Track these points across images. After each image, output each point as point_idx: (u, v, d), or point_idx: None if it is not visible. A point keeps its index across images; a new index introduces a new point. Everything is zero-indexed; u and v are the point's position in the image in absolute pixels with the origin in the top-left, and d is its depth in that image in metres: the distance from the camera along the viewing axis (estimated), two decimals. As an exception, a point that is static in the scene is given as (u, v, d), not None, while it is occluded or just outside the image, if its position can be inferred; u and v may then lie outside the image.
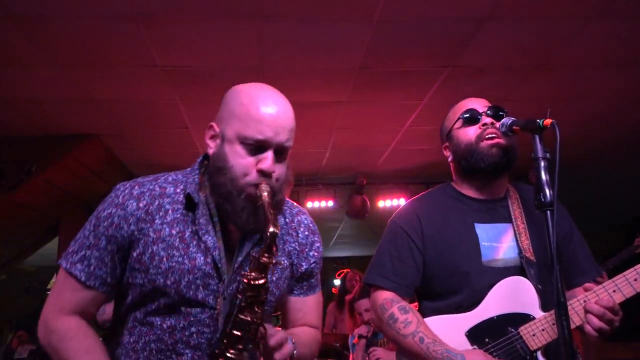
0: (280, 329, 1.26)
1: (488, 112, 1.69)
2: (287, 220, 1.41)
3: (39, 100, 4.00)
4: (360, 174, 6.00)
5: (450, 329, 1.62)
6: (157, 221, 1.24)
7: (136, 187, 1.28)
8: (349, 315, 4.75)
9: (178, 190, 1.29)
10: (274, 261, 1.17)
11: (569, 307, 1.50)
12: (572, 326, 1.51)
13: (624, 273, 1.52)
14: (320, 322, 1.50)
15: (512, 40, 3.37)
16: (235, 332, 1.17)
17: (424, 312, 1.71)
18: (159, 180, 1.31)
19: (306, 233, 1.43)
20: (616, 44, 3.43)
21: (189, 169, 1.35)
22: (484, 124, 1.67)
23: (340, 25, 3.10)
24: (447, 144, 1.80)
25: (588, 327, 1.50)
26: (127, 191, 1.27)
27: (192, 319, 1.24)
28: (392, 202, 6.21)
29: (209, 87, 3.83)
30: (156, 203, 1.26)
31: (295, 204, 1.48)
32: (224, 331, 1.18)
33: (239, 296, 1.17)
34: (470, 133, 1.70)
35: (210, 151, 1.29)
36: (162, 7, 2.87)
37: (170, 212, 1.26)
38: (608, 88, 4.09)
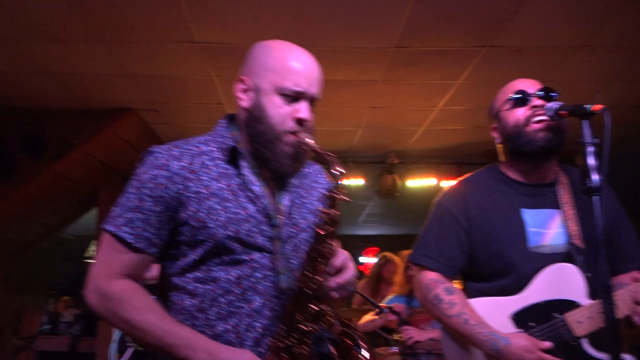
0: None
1: (539, 93, 1.66)
2: (310, 170, 1.51)
3: (80, 75, 4.11)
4: (392, 153, 6.00)
5: (494, 311, 1.64)
6: (203, 178, 1.29)
7: (174, 149, 1.31)
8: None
9: (211, 147, 1.35)
10: (343, 197, 1.28)
11: (618, 297, 1.49)
12: (620, 316, 1.50)
13: None
14: None
15: (552, 20, 3.31)
16: (314, 263, 1.26)
17: (469, 293, 1.73)
18: (191, 142, 1.35)
19: (324, 179, 1.52)
20: (661, 24, 3.34)
21: (211, 132, 1.40)
22: (534, 106, 1.65)
23: (378, 3, 3.09)
24: (495, 125, 1.78)
25: (636, 319, 1.51)
26: (165, 152, 1.30)
27: (255, 265, 1.29)
28: (422, 182, 6.20)
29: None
30: (197, 161, 1.30)
31: None
32: (305, 264, 1.28)
33: (320, 231, 1.27)
34: (518, 114, 1.67)
35: (244, 104, 1.34)
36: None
37: (212, 167, 1.31)
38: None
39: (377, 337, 4.01)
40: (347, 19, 3.27)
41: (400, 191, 6.29)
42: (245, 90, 1.35)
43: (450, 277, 1.74)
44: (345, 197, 1.28)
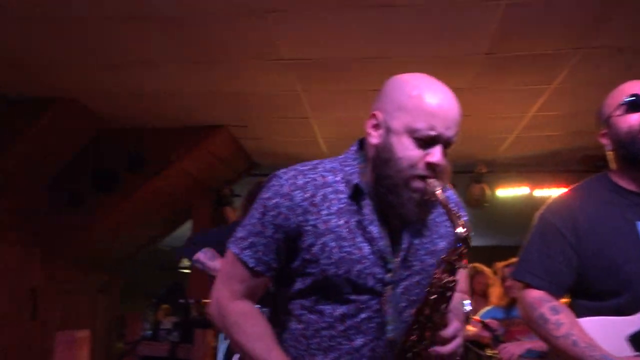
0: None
1: None
2: None
3: (175, 95, 4.36)
4: (480, 162, 5.80)
5: (608, 332, 1.52)
6: (323, 212, 1.26)
7: (300, 177, 1.29)
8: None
9: (337, 178, 1.30)
10: (462, 265, 1.20)
11: None
12: None
13: None
14: (468, 289, 1.53)
15: (659, 16, 3.07)
16: (421, 328, 1.20)
17: (578, 312, 1.62)
18: (318, 169, 1.31)
19: (455, 208, 1.35)
20: None
21: (342, 156, 1.36)
22: None
23: (467, 10, 3.03)
24: (604, 131, 1.66)
25: None
26: (291, 180, 1.28)
27: (362, 306, 1.26)
28: (513, 191, 5.95)
29: (331, 78, 3.92)
30: (320, 194, 1.27)
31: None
32: (410, 329, 1.22)
33: (432, 297, 1.20)
34: (632, 120, 1.56)
35: (374, 141, 1.27)
36: (291, 2, 2.99)
37: (334, 201, 1.27)
38: None
39: (468, 352, 3.90)
40: (434, 28, 3.23)
41: (490, 201, 6.07)
42: (376, 127, 1.28)
43: (557, 295, 1.63)
44: (464, 266, 1.20)
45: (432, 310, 1.19)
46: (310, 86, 4.11)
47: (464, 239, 1.18)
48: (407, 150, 1.21)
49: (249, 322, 1.30)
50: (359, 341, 1.27)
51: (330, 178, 1.30)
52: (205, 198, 5.95)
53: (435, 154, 1.20)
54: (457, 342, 1.23)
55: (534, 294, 1.63)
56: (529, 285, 1.66)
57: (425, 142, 1.21)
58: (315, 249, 1.25)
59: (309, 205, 1.26)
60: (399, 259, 1.29)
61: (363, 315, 1.27)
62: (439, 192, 1.19)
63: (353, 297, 1.26)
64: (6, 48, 3.53)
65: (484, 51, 3.47)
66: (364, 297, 1.26)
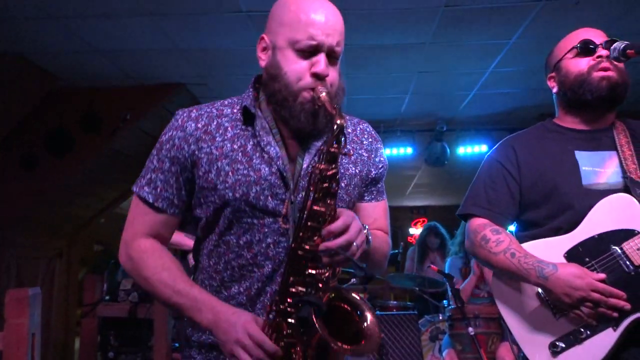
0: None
1: (605, 44, 1.62)
2: (350, 130, 1.42)
3: (131, 51, 4.18)
4: (441, 120, 5.87)
5: (547, 252, 1.61)
6: (217, 139, 1.27)
7: (194, 110, 1.31)
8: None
9: (235, 110, 1.32)
10: (343, 151, 1.20)
11: None
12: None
13: None
14: (388, 228, 1.49)
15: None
16: (310, 223, 1.18)
17: (521, 242, 1.70)
18: (216, 104, 1.34)
19: (370, 140, 1.42)
20: None
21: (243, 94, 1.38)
22: (599, 56, 1.62)
23: (427, -41, 2.99)
24: (553, 74, 1.75)
25: None
26: (185, 114, 1.31)
27: (266, 230, 1.26)
28: (473, 149, 6.05)
29: (291, 32, 3.83)
30: (214, 123, 1.29)
31: (353, 116, 1.47)
32: (299, 225, 1.19)
33: (312, 188, 1.19)
34: (582, 64, 1.65)
35: (263, 63, 1.30)
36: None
37: (229, 129, 1.29)
38: None
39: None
40: (394, -22, 3.18)
41: (450, 159, 6.17)
42: (264, 49, 1.30)
43: (500, 224, 1.72)
44: (344, 152, 1.19)
45: (316, 203, 1.18)
46: (270, 41, 4.01)
47: (340, 128, 1.17)
48: (292, 63, 1.23)
49: (153, 255, 1.29)
50: (268, 267, 1.27)
51: (227, 110, 1.32)
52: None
53: (320, 64, 1.22)
54: (349, 235, 1.15)
55: (478, 222, 1.73)
56: (473, 216, 1.74)
57: (309, 53, 1.22)
58: (211, 175, 1.26)
59: (202, 133, 1.28)
60: (299, 178, 1.28)
61: (269, 240, 1.27)
62: (323, 95, 1.20)
63: (255, 221, 1.26)
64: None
65: (444, 3, 3.44)
66: (267, 220, 1.26)
